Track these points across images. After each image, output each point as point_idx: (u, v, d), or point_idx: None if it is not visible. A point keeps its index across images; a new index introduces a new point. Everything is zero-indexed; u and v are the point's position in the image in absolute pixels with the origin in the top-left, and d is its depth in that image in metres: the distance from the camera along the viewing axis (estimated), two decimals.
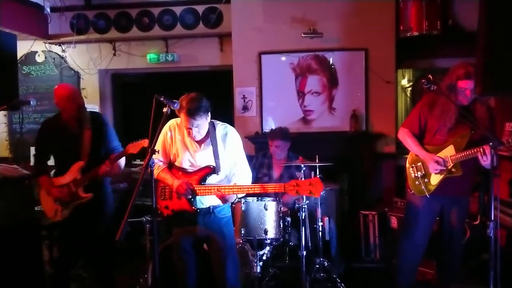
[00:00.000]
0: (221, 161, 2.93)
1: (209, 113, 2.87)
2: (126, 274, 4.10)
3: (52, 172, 3.62)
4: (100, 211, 3.49)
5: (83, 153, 3.40)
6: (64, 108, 3.38)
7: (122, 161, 3.46)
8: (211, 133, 2.93)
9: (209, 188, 2.88)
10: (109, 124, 3.63)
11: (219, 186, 2.88)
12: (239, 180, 2.96)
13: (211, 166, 2.91)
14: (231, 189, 2.88)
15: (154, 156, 2.90)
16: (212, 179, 2.94)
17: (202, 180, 2.91)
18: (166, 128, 2.97)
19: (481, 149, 2.98)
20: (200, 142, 2.93)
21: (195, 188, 2.89)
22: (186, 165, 2.97)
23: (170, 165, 3.04)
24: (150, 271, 3.57)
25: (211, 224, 2.99)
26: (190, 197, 2.89)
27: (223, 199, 2.89)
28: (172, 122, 2.99)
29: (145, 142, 3.13)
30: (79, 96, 3.45)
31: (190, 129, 2.80)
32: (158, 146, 2.95)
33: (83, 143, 3.40)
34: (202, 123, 2.83)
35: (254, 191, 2.91)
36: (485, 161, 3.00)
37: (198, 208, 2.93)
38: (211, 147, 2.93)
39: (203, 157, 2.95)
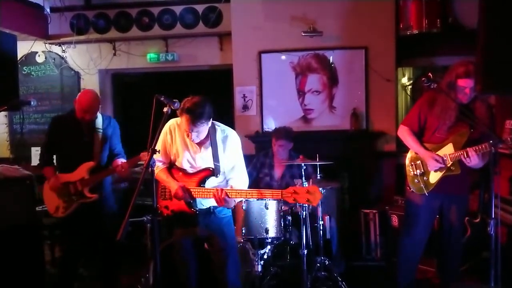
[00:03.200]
0: (221, 164, 2.92)
1: (211, 119, 2.84)
2: (127, 274, 4.10)
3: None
4: (101, 211, 3.52)
5: (94, 154, 3.46)
6: (82, 114, 3.39)
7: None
8: (211, 135, 2.91)
9: (207, 191, 2.86)
10: (118, 129, 3.69)
11: (216, 190, 2.81)
12: (235, 186, 2.93)
13: (211, 169, 2.90)
14: (228, 192, 2.81)
15: (154, 156, 2.94)
16: (211, 182, 2.93)
17: (202, 182, 2.90)
18: (166, 128, 2.96)
19: (464, 152, 3.00)
20: (200, 144, 2.92)
21: (193, 190, 2.87)
22: (186, 166, 2.96)
23: (171, 165, 3.03)
24: (151, 270, 3.58)
25: (212, 224, 2.99)
26: (189, 200, 2.87)
27: (220, 202, 2.81)
28: (172, 122, 2.97)
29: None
30: (99, 105, 3.50)
31: (190, 132, 2.79)
32: (158, 146, 2.94)
33: (94, 144, 3.46)
34: (203, 129, 2.82)
35: (252, 196, 2.86)
36: (469, 163, 3.02)
37: (197, 210, 2.92)
38: (210, 149, 2.92)
39: (202, 159, 2.94)
